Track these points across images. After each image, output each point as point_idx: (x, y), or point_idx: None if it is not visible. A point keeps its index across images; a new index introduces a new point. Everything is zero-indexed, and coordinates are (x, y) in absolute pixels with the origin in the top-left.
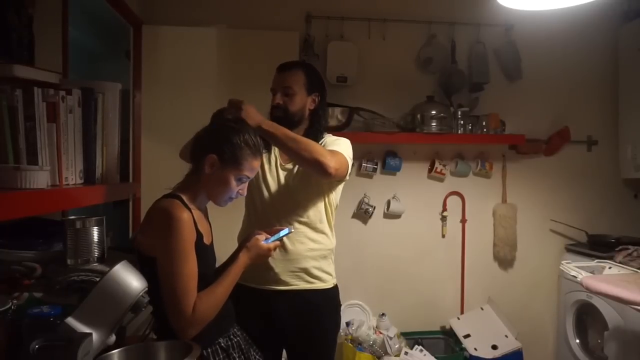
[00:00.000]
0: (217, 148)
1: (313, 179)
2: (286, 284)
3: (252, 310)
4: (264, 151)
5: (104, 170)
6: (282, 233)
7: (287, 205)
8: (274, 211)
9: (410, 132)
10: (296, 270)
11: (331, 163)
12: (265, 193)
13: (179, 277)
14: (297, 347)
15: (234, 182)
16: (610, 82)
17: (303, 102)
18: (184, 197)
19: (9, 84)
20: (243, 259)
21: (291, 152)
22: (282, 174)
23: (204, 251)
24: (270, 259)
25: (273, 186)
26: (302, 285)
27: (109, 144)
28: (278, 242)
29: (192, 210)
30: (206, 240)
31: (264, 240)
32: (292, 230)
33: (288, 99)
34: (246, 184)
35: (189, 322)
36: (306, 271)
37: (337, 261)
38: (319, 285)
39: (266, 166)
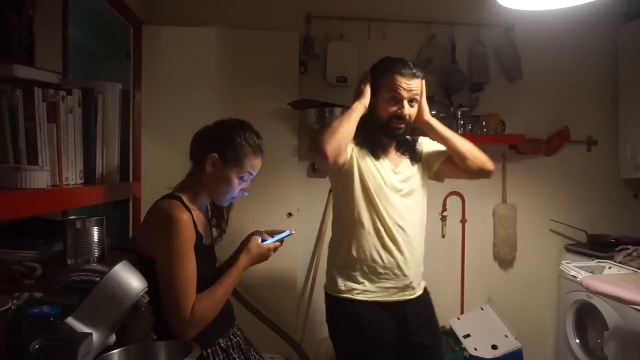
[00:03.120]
0: (219, 147)
1: (426, 181)
2: (415, 291)
3: (387, 324)
4: (374, 160)
5: (104, 170)
6: (283, 234)
7: (403, 211)
8: (390, 217)
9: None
10: (419, 275)
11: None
12: (380, 200)
13: (177, 278)
14: (421, 346)
15: (236, 181)
16: (610, 82)
17: (417, 108)
18: (184, 198)
19: (9, 84)
20: (243, 260)
21: (459, 151)
22: (395, 179)
23: (204, 252)
24: (404, 268)
25: (389, 192)
26: (422, 288)
27: (109, 144)
28: (278, 243)
29: (192, 211)
30: (206, 241)
31: (264, 241)
32: (293, 232)
33: (412, 110)
34: (248, 183)
35: (187, 323)
36: (422, 274)
37: None
38: (424, 283)
39: (377, 174)
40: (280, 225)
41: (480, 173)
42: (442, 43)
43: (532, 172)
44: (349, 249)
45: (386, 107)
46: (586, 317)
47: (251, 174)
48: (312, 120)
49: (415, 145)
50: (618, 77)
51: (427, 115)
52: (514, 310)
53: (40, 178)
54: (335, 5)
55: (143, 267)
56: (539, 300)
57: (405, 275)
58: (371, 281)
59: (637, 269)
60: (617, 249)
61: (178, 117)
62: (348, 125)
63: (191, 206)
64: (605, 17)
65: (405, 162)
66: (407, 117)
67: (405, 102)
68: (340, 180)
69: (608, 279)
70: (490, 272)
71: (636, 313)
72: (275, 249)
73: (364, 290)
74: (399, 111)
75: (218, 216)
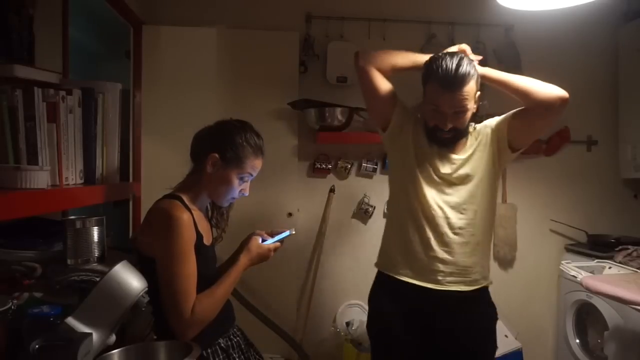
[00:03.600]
0: (219, 147)
1: (492, 164)
2: (448, 286)
3: (410, 310)
4: (429, 142)
5: (104, 170)
6: (283, 235)
7: (450, 193)
8: (431, 195)
9: None
10: (464, 268)
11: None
12: (422, 177)
13: (178, 278)
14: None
15: (236, 181)
16: (610, 82)
17: (472, 111)
18: (185, 198)
19: (9, 84)
20: (243, 260)
21: (524, 88)
22: (447, 164)
23: (205, 252)
24: (436, 250)
25: (433, 174)
26: (466, 286)
27: (109, 144)
28: (279, 244)
29: (193, 211)
30: (206, 241)
31: (264, 241)
32: (294, 232)
33: (460, 121)
34: (248, 183)
35: (188, 323)
36: (478, 272)
37: (337, 261)
38: (477, 283)
39: (427, 152)
40: (280, 225)
41: (556, 101)
42: (442, 43)
43: (532, 172)
44: (390, 222)
45: (429, 116)
46: (586, 317)
47: (251, 175)
48: (312, 120)
49: (473, 130)
50: (618, 77)
51: (480, 70)
52: (514, 310)
53: (40, 178)
54: (335, 5)
55: (143, 267)
56: (538, 300)
57: (437, 258)
58: (402, 256)
59: (637, 269)
60: (617, 249)
61: (178, 117)
62: (398, 55)
63: (191, 206)
64: (605, 17)
65: (465, 144)
66: (450, 129)
67: (449, 118)
68: (393, 147)
69: (608, 279)
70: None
71: (636, 313)
72: (275, 249)
73: (394, 265)
74: (441, 125)
75: (218, 216)
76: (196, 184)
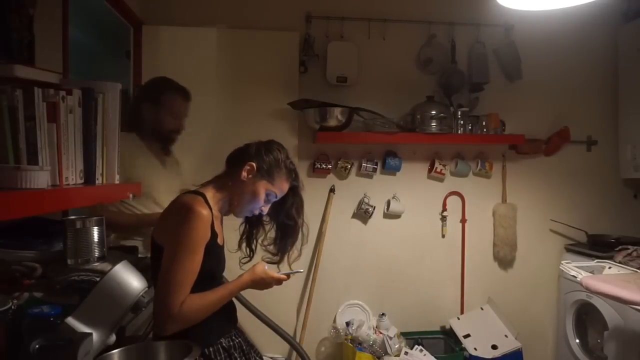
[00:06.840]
0: (259, 158)
1: None
2: None
3: None
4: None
5: (104, 170)
6: (291, 271)
7: None
8: None
9: (410, 132)
10: None
11: None
12: None
13: (179, 269)
14: None
15: (263, 195)
16: (610, 82)
17: None
18: (208, 195)
19: (9, 84)
20: (245, 277)
21: None
22: None
23: (217, 250)
24: None
25: None
26: None
27: (109, 144)
28: (285, 276)
29: (212, 210)
30: (219, 241)
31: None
32: (301, 271)
33: None
34: (270, 204)
35: (171, 318)
36: None
37: (337, 261)
38: None
39: None
40: None
41: None
42: (442, 43)
43: (532, 172)
44: None
45: None
46: (586, 317)
47: (276, 196)
48: (312, 120)
49: None
50: (618, 77)
51: None
52: (514, 310)
53: (40, 178)
54: (335, 5)
55: (155, 257)
56: (539, 300)
57: None
58: None
59: (637, 269)
60: (617, 249)
61: None
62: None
63: (212, 204)
64: (605, 17)
65: None
66: None
67: None
68: None
69: (608, 279)
70: (490, 272)
71: (636, 313)
72: (279, 282)
73: None
74: None
75: (248, 237)
76: (223, 187)
